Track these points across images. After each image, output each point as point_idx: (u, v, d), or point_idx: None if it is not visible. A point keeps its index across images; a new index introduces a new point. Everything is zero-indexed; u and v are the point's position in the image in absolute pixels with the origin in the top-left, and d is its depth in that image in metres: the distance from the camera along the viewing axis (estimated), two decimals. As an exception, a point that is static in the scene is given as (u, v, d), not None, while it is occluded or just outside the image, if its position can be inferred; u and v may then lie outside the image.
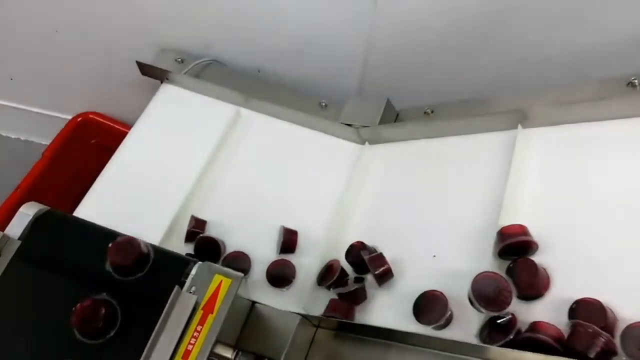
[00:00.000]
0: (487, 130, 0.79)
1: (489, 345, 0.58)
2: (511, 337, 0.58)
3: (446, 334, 0.65)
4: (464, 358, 0.60)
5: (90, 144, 1.35)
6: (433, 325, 0.64)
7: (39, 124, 1.43)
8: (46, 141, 1.31)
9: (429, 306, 0.65)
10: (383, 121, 0.87)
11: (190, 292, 0.54)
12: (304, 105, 0.93)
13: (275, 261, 0.78)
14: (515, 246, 0.65)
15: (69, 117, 1.33)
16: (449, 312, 0.65)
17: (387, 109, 0.88)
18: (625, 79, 0.71)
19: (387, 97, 0.90)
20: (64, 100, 1.35)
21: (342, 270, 0.75)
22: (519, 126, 0.75)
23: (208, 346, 0.51)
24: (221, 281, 0.55)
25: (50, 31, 1.13)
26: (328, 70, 1.05)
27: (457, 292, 0.66)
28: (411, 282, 0.72)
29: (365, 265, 0.72)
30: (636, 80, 0.69)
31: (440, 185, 0.79)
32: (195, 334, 0.52)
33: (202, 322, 0.53)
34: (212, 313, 0.53)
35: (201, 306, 0.53)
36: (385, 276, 0.71)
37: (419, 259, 0.73)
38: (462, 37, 0.91)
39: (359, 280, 0.75)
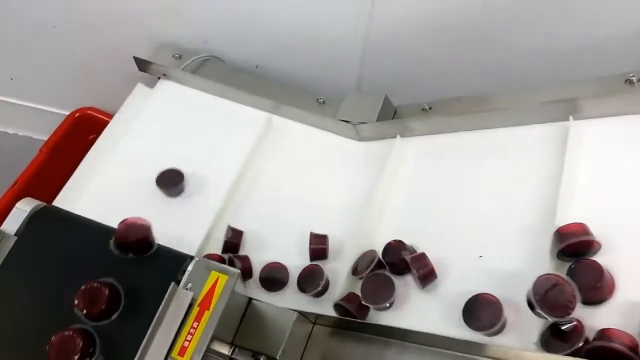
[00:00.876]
0: (532, 122, 0.75)
1: (488, 343, 0.58)
2: (580, 345, 0.54)
3: (502, 340, 0.60)
4: (463, 356, 0.60)
5: (88, 139, 1.35)
6: (486, 332, 0.60)
7: (36, 120, 1.43)
8: (44, 137, 1.30)
9: (482, 311, 0.61)
10: (381, 118, 0.86)
11: (187, 289, 0.54)
12: (301, 102, 0.93)
13: (306, 267, 0.75)
14: (576, 247, 0.60)
15: (67, 113, 1.32)
16: (504, 317, 0.60)
17: (385, 105, 0.88)
18: (623, 76, 0.71)
19: (385, 93, 0.89)
20: (62, 95, 1.34)
21: (379, 261, 0.71)
22: (571, 118, 0.71)
23: (204, 342, 0.52)
24: (217, 278, 0.55)
25: (48, 26, 1.12)
26: (326, 67, 1.05)
27: (509, 295, 0.61)
28: (456, 284, 0.67)
29: (403, 265, 0.68)
30: (634, 77, 0.69)
31: (482, 180, 0.75)
32: (191, 331, 0.52)
33: (198, 319, 0.53)
34: (208, 309, 0.53)
35: (197, 302, 0.53)
36: (428, 277, 0.67)
37: (463, 260, 0.68)
38: (460, 34, 0.91)
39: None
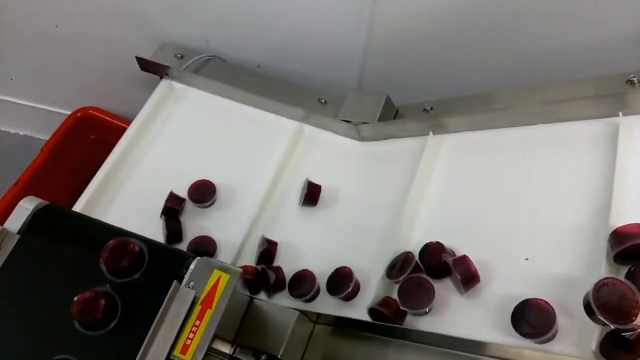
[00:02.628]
0: (579, 118, 0.71)
1: (487, 342, 0.58)
2: None
3: (554, 347, 0.57)
4: (462, 354, 0.60)
5: (89, 139, 1.35)
6: (538, 339, 0.57)
7: (38, 119, 1.43)
8: (45, 136, 1.31)
9: (533, 316, 0.57)
10: (382, 118, 0.86)
11: (189, 287, 0.54)
12: (303, 101, 0.93)
13: (335, 270, 0.73)
14: (636, 249, 0.56)
15: (69, 112, 1.33)
16: (557, 324, 0.57)
17: (386, 105, 0.88)
18: (624, 76, 0.71)
19: (387, 93, 0.89)
20: (64, 95, 1.35)
21: (417, 264, 0.67)
22: (620, 113, 0.68)
23: (206, 341, 0.52)
24: (220, 276, 0.55)
25: (50, 26, 1.12)
26: (328, 67, 1.05)
27: (559, 300, 0.58)
28: (500, 288, 0.63)
29: (442, 268, 0.65)
30: (635, 78, 0.69)
31: (526, 179, 0.71)
32: (193, 329, 0.52)
33: (200, 317, 0.53)
34: (210, 308, 0.53)
35: (200, 301, 0.53)
36: (471, 281, 0.63)
37: (506, 263, 0.65)
38: (461, 34, 0.91)
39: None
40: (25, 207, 0.59)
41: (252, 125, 0.95)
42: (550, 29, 0.85)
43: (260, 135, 0.94)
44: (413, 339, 0.63)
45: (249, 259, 0.80)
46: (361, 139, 0.89)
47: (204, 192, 0.85)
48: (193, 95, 1.01)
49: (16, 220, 0.58)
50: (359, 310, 0.69)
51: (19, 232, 0.58)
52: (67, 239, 0.58)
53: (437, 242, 0.68)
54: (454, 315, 0.64)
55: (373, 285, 0.69)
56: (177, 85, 1.02)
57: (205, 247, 0.80)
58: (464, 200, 0.74)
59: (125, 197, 0.91)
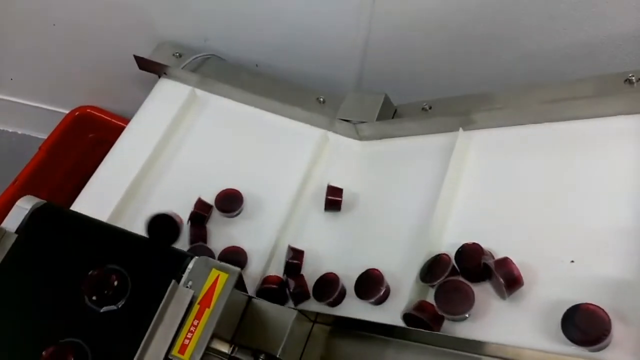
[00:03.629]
0: (618, 113, 0.68)
1: (486, 341, 0.58)
2: None
3: (608, 356, 0.53)
4: (462, 354, 0.60)
5: (87, 138, 1.35)
6: (592, 347, 0.53)
7: (36, 118, 1.43)
8: (43, 135, 1.31)
9: (586, 323, 0.53)
10: (381, 117, 0.86)
11: (187, 287, 0.54)
12: (302, 101, 0.93)
13: (364, 272, 0.71)
14: None
15: (67, 111, 1.33)
16: (612, 331, 0.53)
17: (385, 104, 0.88)
18: (623, 75, 0.71)
19: (385, 92, 0.89)
20: (62, 94, 1.34)
21: (454, 267, 0.64)
22: None
23: (205, 340, 0.52)
24: (218, 276, 0.55)
25: (47, 25, 1.12)
26: (326, 66, 1.05)
27: (611, 305, 0.54)
28: (545, 292, 0.60)
29: (480, 271, 0.62)
30: (633, 77, 0.69)
31: (568, 177, 0.67)
32: (192, 329, 0.52)
33: (198, 317, 0.53)
34: (209, 307, 0.53)
35: (198, 300, 0.53)
36: (515, 285, 0.60)
37: (550, 265, 0.61)
38: (460, 33, 0.91)
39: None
40: (23, 206, 0.58)
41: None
42: (550, 28, 0.85)
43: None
44: (413, 338, 0.63)
45: (277, 269, 0.79)
46: (360, 138, 0.89)
47: (231, 202, 0.84)
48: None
49: (14, 220, 0.58)
50: (390, 314, 0.66)
51: (16, 232, 0.57)
52: (65, 239, 0.58)
53: (474, 244, 0.65)
54: (496, 320, 0.60)
55: (404, 288, 0.66)
56: (175, 84, 1.02)
57: (236, 257, 0.79)
58: (496, 200, 0.71)
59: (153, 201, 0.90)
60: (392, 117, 0.90)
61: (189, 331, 0.52)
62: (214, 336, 0.53)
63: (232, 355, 0.57)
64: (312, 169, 0.88)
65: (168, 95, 1.01)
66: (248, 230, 0.83)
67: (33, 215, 0.58)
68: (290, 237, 0.82)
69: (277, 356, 0.59)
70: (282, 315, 0.63)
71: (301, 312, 0.64)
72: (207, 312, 0.53)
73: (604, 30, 0.82)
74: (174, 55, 1.05)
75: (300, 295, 0.74)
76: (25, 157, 1.24)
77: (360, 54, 0.99)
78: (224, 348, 0.56)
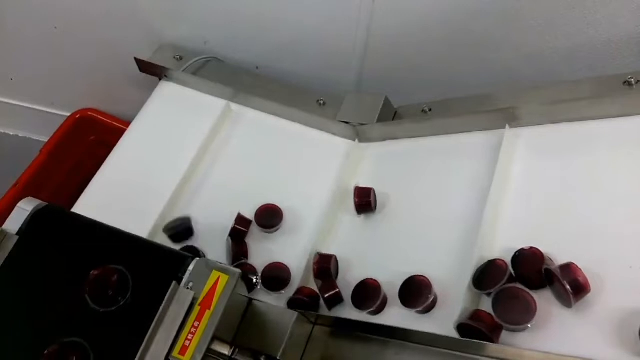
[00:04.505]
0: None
1: (487, 343, 0.57)
2: None
3: None
4: (462, 355, 0.60)
5: (88, 140, 1.35)
6: None
7: (37, 121, 1.43)
8: (44, 138, 1.31)
9: None
10: (381, 119, 0.87)
11: (188, 288, 0.54)
12: (302, 103, 0.93)
13: (409, 279, 0.67)
14: None
15: (68, 114, 1.33)
16: None
17: (385, 106, 0.88)
18: (622, 77, 0.71)
19: (385, 94, 0.90)
20: (63, 97, 1.34)
21: (511, 275, 0.60)
22: None
23: (205, 342, 0.52)
24: (219, 277, 0.55)
25: (49, 28, 1.12)
26: (326, 68, 1.05)
27: None
28: (615, 299, 0.55)
29: (540, 277, 0.58)
30: (633, 79, 0.69)
31: (619, 176, 0.63)
32: (192, 330, 0.52)
33: (199, 318, 0.53)
34: (209, 309, 0.53)
35: (198, 302, 0.53)
36: (582, 291, 0.55)
37: (618, 270, 0.57)
38: (459, 35, 0.91)
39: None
40: (24, 208, 0.59)
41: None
42: (549, 30, 0.85)
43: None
44: (412, 340, 0.63)
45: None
46: (360, 140, 0.89)
47: (271, 217, 0.82)
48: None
49: (15, 222, 0.58)
50: (439, 324, 0.63)
51: (17, 233, 0.58)
52: (66, 241, 0.58)
53: (533, 248, 0.60)
54: (561, 330, 0.56)
55: (453, 296, 0.63)
56: (176, 86, 1.02)
57: (280, 273, 0.77)
58: (549, 200, 0.66)
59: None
60: (393, 119, 0.90)
61: (190, 332, 0.52)
62: (215, 338, 0.53)
63: (233, 356, 0.57)
64: (342, 175, 0.85)
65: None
66: (285, 243, 0.81)
67: (34, 217, 0.58)
68: (327, 247, 0.80)
69: (278, 358, 0.59)
70: (282, 317, 0.63)
71: (301, 313, 0.64)
72: (208, 313, 0.53)
73: (603, 32, 0.82)
74: (174, 57, 1.05)
75: (334, 300, 0.71)
76: (26, 160, 1.24)
77: (360, 55, 0.99)
78: (225, 350, 0.56)
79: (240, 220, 0.81)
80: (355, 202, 0.79)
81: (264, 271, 0.77)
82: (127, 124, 1.01)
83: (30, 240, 0.57)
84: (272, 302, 0.71)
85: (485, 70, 0.96)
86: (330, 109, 0.92)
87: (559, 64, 0.89)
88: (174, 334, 0.52)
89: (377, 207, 0.80)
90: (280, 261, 0.78)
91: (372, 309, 0.67)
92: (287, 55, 1.05)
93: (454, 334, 0.59)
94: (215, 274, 0.55)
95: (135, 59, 1.03)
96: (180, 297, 0.53)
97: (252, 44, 1.05)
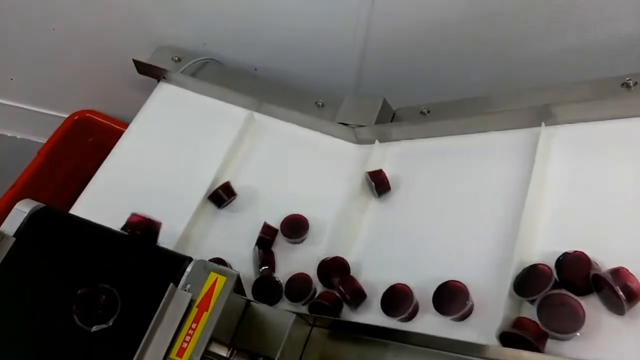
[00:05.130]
0: None
1: (485, 344, 0.58)
2: None
3: None
4: (460, 356, 0.60)
5: (87, 142, 1.35)
6: None
7: (35, 123, 1.43)
8: (43, 139, 1.31)
9: None
10: (379, 120, 0.87)
11: (185, 290, 0.54)
12: (300, 105, 0.93)
13: (443, 284, 0.64)
14: None
15: (66, 116, 1.33)
16: None
17: (383, 108, 0.88)
18: (621, 79, 0.71)
19: (384, 96, 0.90)
20: (61, 98, 1.34)
21: (556, 281, 0.57)
22: None
23: (203, 343, 0.51)
24: (216, 279, 0.55)
25: (47, 29, 1.12)
26: (325, 70, 1.05)
27: None
28: None
29: (587, 283, 0.55)
30: (630, 81, 0.69)
31: None
32: (190, 332, 0.52)
33: (197, 320, 0.53)
34: (207, 311, 0.53)
35: (196, 304, 0.53)
36: (635, 298, 0.53)
37: None
38: (458, 37, 0.91)
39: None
40: (22, 210, 0.58)
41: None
42: (548, 33, 0.85)
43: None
44: (411, 341, 0.63)
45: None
46: (358, 141, 0.89)
47: (297, 228, 0.80)
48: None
49: (12, 223, 0.58)
50: (477, 332, 0.61)
51: (15, 235, 0.57)
52: (64, 242, 0.58)
53: (578, 252, 0.57)
54: (611, 339, 0.54)
55: (491, 302, 0.61)
56: (174, 88, 1.02)
57: (303, 284, 0.75)
58: (590, 201, 0.64)
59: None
60: (391, 121, 0.90)
61: (187, 334, 0.52)
62: (212, 339, 0.53)
63: (231, 358, 0.57)
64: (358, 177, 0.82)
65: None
66: (308, 252, 0.79)
67: (31, 219, 0.58)
68: (349, 251, 0.77)
69: (276, 359, 0.59)
70: (280, 318, 0.62)
71: (300, 315, 0.64)
72: (206, 315, 0.53)
73: (602, 34, 0.82)
74: (173, 59, 1.05)
75: (357, 298, 0.70)
76: (24, 162, 1.24)
77: (359, 57, 1.00)
78: (223, 351, 0.56)
79: (267, 229, 0.80)
80: (373, 186, 0.77)
81: (287, 282, 0.76)
82: (126, 125, 1.01)
83: (27, 242, 0.57)
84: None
85: (484, 73, 0.96)
86: (328, 111, 0.92)
87: (558, 65, 0.89)
88: (172, 335, 0.51)
89: (403, 209, 0.78)
90: (304, 271, 0.76)
91: (404, 316, 0.64)
92: (285, 57, 1.05)
93: (494, 342, 0.57)
94: (212, 276, 0.55)
95: (134, 60, 1.03)
96: (177, 299, 0.53)
97: (250, 45, 1.05)
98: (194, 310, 0.53)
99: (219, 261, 0.78)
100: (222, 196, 0.86)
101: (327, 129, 0.91)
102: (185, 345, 0.51)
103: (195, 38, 1.06)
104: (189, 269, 0.55)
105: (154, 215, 0.82)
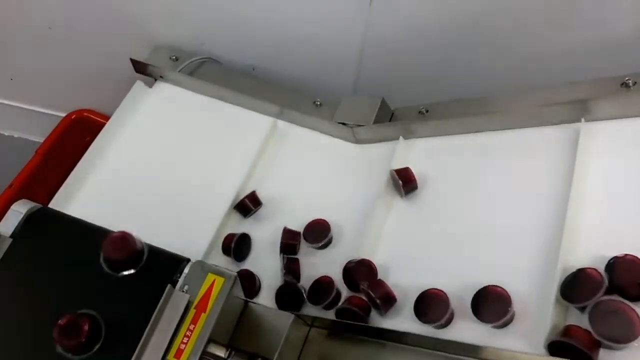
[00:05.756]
0: None
1: (482, 345, 0.58)
2: None
3: None
4: (458, 357, 0.60)
5: (84, 141, 1.34)
6: None
7: (32, 122, 1.42)
8: (40, 139, 1.30)
9: None
10: (377, 120, 0.86)
11: (183, 291, 0.54)
12: (298, 104, 0.93)
13: (482, 289, 0.61)
14: None
15: (63, 115, 1.32)
16: None
17: (381, 108, 0.88)
18: (620, 79, 0.71)
19: (382, 96, 0.89)
20: (58, 97, 1.34)
21: (608, 287, 0.54)
22: None
23: (201, 345, 0.51)
24: (214, 280, 0.55)
25: (43, 28, 1.12)
26: (323, 69, 1.05)
27: None
28: None
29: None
30: (630, 80, 0.69)
31: None
32: (187, 333, 0.52)
33: (194, 321, 0.52)
34: (204, 312, 0.53)
35: (194, 305, 0.53)
36: None
37: None
38: (456, 37, 0.91)
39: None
40: (18, 210, 0.58)
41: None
42: (546, 32, 0.85)
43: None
44: (408, 342, 0.63)
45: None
46: (357, 141, 0.89)
47: (319, 233, 0.78)
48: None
49: (9, 224, 0.58)
50: (520, 340, 0.58)
51: (11, 236, 0.57)
52: (60, 243, 0.58)
53: (630, 255, 0.54)
54: None
55: (533, 308, 0.59)
56: (171, 87, 1.02)
57: (324, 287, 0.72)
58: (636, 201, 0.61)
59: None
60: (389, 120, 0.90)
61: (185, 336, 0.52)
62: (210, 340, 0.53)
63: (228, 359, 0.57)
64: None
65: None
66: (333, 256, 0.77)
67: (28, 220, 0.58)
68: (376, 253, 0.74)
69: (274, 360, 0.59)
70: (278, 319, 0.62)
71: (298, 316, 0.64)
72: (203, 316, 0.53)
73: (601, 34, 0.82)
74: (170, 58, 1.05)
75: (387, 303, 0.66)
76: (21, 161, 1.23)
77: (357, 57, 0.99)
78: (220, 352, 0.56)
79: (288, 233, 0.79)
80: (399, 184, 0.74)
81: (310, 286, 0.73)
82: (123, 125, 1.00)
83: (23, 243, 0.57)
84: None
85: (482, 72, 0.96)
86: (326, 110, 0.92)
87: (556, 65, 0.89)
88: (169, 337, 0.51)
89: (432, 208, 0.75)
90: (327, 274, 0.73)
91: (440, 323, 0.61)
92: (283, 57, 1.05)
93: (541, 351, 0.55)
94: (210, 277, 0.55)
95: (131, 59, 1.02)
96: (175, 300, 0.53)
97: (248, 45, 1.04)
98: (192, 312, 0.53)
99: (248, 274, 0.77)
100: (248, 206, 0.84)
101: (324, 128, 0.91)
102: (183, 346, 0.51)
103: (193, 37, 1.06)
104: (186, 270, 0.55)
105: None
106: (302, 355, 0.67)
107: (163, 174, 0.91)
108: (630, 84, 0.69)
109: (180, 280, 0.55)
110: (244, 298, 0.64)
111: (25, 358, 0.53)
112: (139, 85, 1.02)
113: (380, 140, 0.87)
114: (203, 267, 0.55)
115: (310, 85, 1.07)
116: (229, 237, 0.80)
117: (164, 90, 1.02)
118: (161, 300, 0.52)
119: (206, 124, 0.96)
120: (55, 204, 0.89)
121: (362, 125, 0.86)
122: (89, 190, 0.92)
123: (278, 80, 1.06)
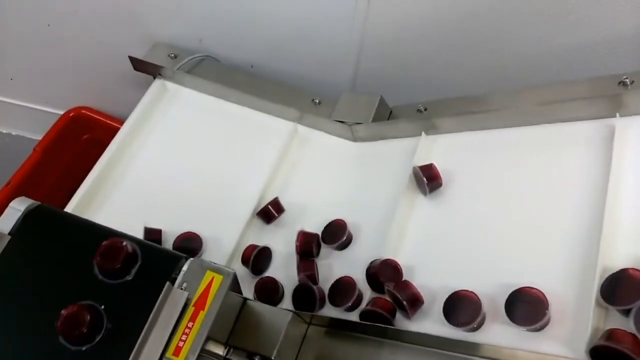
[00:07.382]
0: None
1: (481, 343, 0.58)
2: None
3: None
4: (456, 355, 0.60)
5: (82, 139, 1.35)
6: None
7: (30, 119, 1.42)
8: (38, 136, 1.30)
9: None
10: (376, 118, 0.87)
11: (182, 289, 0.54)
12: (297, 102, 0.93)
13: (517, 291, 0.59)
14: None
15: (61, 112, 1.32)
16: None
17: (380, 105, 0.88)
18: (617, 77, 0.71)
19: (380, 94, 0.89)
20: (56, 95, 1.34)
21: None
22: None
23: (199, 343, 0.51)
24: (213, 277, 0.54)
25: (42, 25, 1.12)
26: (322, 67, 1.05)
27: None
28: None
29: None
30: (627, 79, 0.69)
31: None
32: (186, 331, 0.52)
33: (193, 319, 0.52)
34: (203, 310, 0.53)
35: (192, 303, 0.53)
36: None
37: None
38: (455, 35, 0.91)
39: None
40: (16, 208, 0.58)
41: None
42: (544, 30, 0.85)
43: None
44: (406, 340, 0.63)
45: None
46: (355, 139, 0.89)
47: (335, 233, 0.76)
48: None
49: (7, 221, 0.57)
50: (560, 344, 0.55)
51: (9, 233, 0.57)
52: (58, 240, 0.58)
53: None
54: None
55: (571, 310, 0.56)
56: (170, 85, 1.02)
57: (345, 287, 0.71)
58: None
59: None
60: (388, 119, 0.90)
61: (184, 333, 0.52)
62: (209, 338, 0.53)
63: (227, 357, 0.57)
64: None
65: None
66: (354, 257, 0.75)
67: (26, 217, 0.58)
68: (398, 253, 0.72)
69: (272, 358, 0.59)
70: (277, 317, 0.62)
71: (296, 313, 0.64)
72: (202, 314, 0.53)
73: (598, 33, 0.82)
74: (169, 56, 1.05)
75: (414, 303, 0.64)
76: (19, 158, 1.23)
77: (356, 54, 0.99)
78: (219, 350, 0.56)
79: (303, 236, 0.77)
80: (424, 181, 0.72)
81: (331, 287, 0.72)
82: (121, 122, 1.00)
83: (22, 240, 0.57)
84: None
85: (480, 70, 0.96)
86: (325, 108, 0.92)
87: (554, 64, 0.89)
88: (168, 334, 0.51)
89: (459, 206, 0.72)
90: (349, 275, 0.72)
91: (472, 326, 0.59)
92: (282, 54, 1.05)
93: (581, 355, 0.52)
94: (209, 274, 0.55)
95: (130, 57, 1.02)
96: (173, 298, 0.53)
97: (247, 42, 1.04)
98: (190, 309, 0.53)
99: (271, 281, 0.76)
100: (272, 213, 0.83)
101: (323, 126, 0.91)
102: (181, 344, 0.51)
103: (192, 35, 1.06)
104: (185, 268, 0.55)
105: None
106: (300, 352, 0.67)
107: (183, 179, 0.90)
108: (628, 83, 0.69)
109: (179, 277, 0.55)
110: (242, 296, 0.64)
111: (24, 356, 0.53)
112: (156, 86, 1.01)
113: (378, 139, 0.87)
114: (202, 265, 0.55)
115: (309, 82, 1.07)
116: (249, 249, 0.79)
117: (162, 88, 1.02)
118: (159, 298, 0.52)
119: (222, 128, 0.96)
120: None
121: (361, 123, 0.86)
122: (106, 199, 0.90)
123: (276, 78, 1.06)
